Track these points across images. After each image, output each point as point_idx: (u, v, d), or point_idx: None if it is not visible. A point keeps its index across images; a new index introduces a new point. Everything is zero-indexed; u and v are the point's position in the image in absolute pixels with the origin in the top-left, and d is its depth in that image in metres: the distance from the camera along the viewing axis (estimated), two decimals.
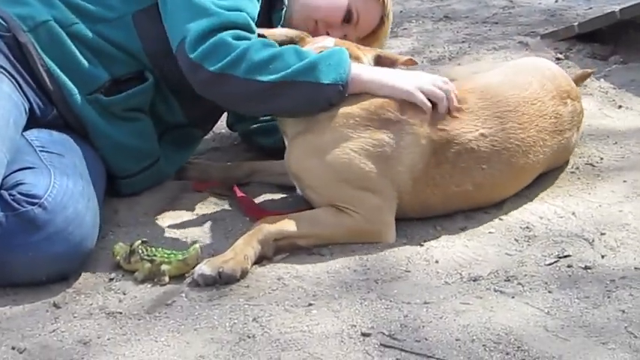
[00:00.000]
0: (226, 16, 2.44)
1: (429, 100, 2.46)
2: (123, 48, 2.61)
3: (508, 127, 2.51)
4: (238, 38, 2.42)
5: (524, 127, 2.54)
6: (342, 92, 2.41)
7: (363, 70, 2.47)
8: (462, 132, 2.46)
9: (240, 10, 2.50)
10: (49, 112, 2.56)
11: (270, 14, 2.70)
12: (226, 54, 2.39)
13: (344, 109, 2.43)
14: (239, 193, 2.70)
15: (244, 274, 2.25)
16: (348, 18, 2.82)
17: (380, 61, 2.62)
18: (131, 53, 2.61)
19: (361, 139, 2.41)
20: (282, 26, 2.80)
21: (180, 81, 2.58)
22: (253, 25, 2.52)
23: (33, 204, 2.24)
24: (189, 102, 2.73)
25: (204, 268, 2.23)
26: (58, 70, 2.55)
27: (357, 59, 2.52)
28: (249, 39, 2.45)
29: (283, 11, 2.76)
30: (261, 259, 2.33)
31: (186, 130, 2.87)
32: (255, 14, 2.56)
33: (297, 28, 2.71)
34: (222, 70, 2.39)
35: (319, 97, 2.42)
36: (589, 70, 3.33)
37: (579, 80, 3.18)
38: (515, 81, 2.64)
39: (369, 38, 2.90)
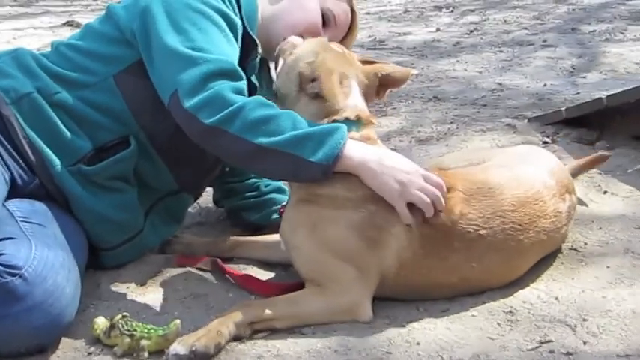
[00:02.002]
0: (215, 63, 2.45)
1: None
2: (108, 111, 2.62)
3: (508, 229, 2.50)
4: (235, 92, 2.43)
5: (524, 228, 2.53)
6: (326, 173, 2.39)
7: (357, 152, 2.43)
8: (462, 231, 2.45)
9: (226, 57, 2.52)
10: (31, 182, 2.56)
11: (244, 64, 2.67)
12: (222, 108, 2.39)
13: (346, 189, 2.43)
14: (227, 268, 2.71)
15: (218, 349, 2.23)
16: (326, 21, 2.85)
17: (384, 81, 2.67)
18: (116, 116, 2.62)
19: (355, 219, 2.42)
20: (271, 58, 2.86)
21: (168, 140, 2.61)
22: (240, 71, 2.53)
23: (13, 275, 2.22)
24: (178, 164, 2.74)
25: (178, 348, 2.20)
26: (40, 142, 2.56)
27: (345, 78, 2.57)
28: (243, 91, 2.47)
29: (257, 59, 2.77)
30: (237, 339, 2.31)
31: (177, 198, 2.87)
32: (237, 59, 2.58)
33: None
34: (216, 124, 2.39)
35: (301, 172, 2.41)
36: (607, 154, 3.37)
37: (594, 164, 3.29)
38: (520, 179, 2.61)
39: (347, 34, 2.94)
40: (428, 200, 2.42)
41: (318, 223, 2.45)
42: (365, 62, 2.71)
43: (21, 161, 2.56)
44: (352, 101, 2.57)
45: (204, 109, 2.40)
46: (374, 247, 2.42)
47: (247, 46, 2.72)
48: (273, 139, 2.38)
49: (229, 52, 2.56)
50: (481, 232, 2.47)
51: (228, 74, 2.47)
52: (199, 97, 2.41)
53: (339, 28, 2.90)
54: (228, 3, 2.66)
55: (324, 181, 2.42)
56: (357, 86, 2.61)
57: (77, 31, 2.86)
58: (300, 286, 2.49)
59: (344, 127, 2.45)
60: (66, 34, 6.06)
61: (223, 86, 2.43)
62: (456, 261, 2.46)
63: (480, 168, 2.70)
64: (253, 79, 2.77)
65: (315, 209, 2.46)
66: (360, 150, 2.45)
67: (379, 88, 2.70)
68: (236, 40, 2.65)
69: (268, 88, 2.94)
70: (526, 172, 2.67)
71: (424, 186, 2.43)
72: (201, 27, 2.54)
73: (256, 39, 2.74)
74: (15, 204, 2.49)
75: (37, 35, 6.93)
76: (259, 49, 2.76)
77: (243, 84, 2.50)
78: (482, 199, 2.50)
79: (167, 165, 2.75)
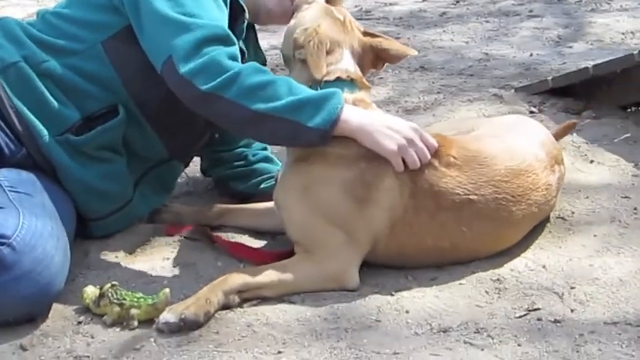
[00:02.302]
0: (208, 29, 2.45)
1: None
2: (96, 79, 2.60)
3: (500, 198, 2.51)
4: (231, 58, 2.43)
5: (517, 199, 2.54)
6: (324, 138, 2.40)
7: (354, 116, 2.44)
8: (449, 190, 2.46)
9: (217, 22, 2.51)
10: (18, 151, 2.55)
11: (232, 29, 2.64)
12: (218, 74, 2.39)
13: (337, 147, 2.44)
14: (219, 238, 2.71)
15: (207, 317, 2.24)
16: None
17: (380, 54, 2.68)
18: (105, 84, 2.61)
19: (347, 177, 2.43)
20: (258, 22, 2.91)
21: (157, 107, 2.61)
22: (233, 36, 2.53)
23: (1, 244, 2.22)
24: (168, 130, 2.74)
25: (168, 316, 2.22)
26: (27, 112, 2.54)
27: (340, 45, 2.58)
28: (237, 57, 2.47)
29: (245, 24, 2.77)
30: (226, 308, 2.31)
31: (168, 166, 2.87)
32: (227, 24, 2.58)
33: (277, 14, 2.81)
34: (212, 89, 2.38)
35: (300, 137, 2.42)
36: (574, 121, 3.37)
37: (566, 131, 3.25)
38: (513, 151, 2.62)
39: None
40: (418, 163, 2.44)
41: (310, 184, 2.46)
42: (367, 34, 2.71)
43: (8, 131, 2.54)
44: (343, 66, 2.58)
45: (200, 75, 2.39)
46: (364, 208, 2.43)
47: (235, 11, 2.71)
48: (270, 104, 2.38)
49: (219, 17, 2.55)
50: (471, 197, 2.48)
51: (221, 40, 2.46)
52: (195, 63, 2.40)
53: None
54: None
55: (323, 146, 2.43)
56: (350, 54, 2.61)
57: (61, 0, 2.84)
58: (290, 254, 2.50)
59: (340, 92, 2.46)
60: (50, 4, 6.01)
61: (219, 52, 2.42)
62: (445, 220, 2.47)
63: (473, 137, 2.71)
64: (241, 44, 2.76)
65: (309, 168, 2.48)
66: (357, 114, 2.46)
67: (376, 60, 2.71)
68: (225, 4, 2.64)
69: (256, 55, 2.93)
70: (518, 143, 2.68)
71: (420, 146, 2.45)
72: None
73: (243, 4, 2.73)
74: (2, 173, 2.48)
75: (20, 5, 6.86)
76: (247, 14, 2.75)
77: (236, 49, 2.50)
78: (475, 166, 2.51)
79: (157, 132, 2.73)
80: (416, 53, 2.74)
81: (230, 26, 2.61)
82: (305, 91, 2.44)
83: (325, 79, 2.52)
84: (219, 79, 2.38)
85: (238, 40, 2.70)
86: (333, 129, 2.40)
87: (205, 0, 2.54)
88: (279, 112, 2.38)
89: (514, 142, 2.68)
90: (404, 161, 2.44)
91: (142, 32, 2.54)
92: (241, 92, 2.39)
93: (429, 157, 2.46)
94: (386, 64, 2.76)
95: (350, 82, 2.56)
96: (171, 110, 2.60)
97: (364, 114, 2.48)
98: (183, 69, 2.40)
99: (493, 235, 2.56)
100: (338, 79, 2.54)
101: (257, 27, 3.03)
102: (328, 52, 2.55)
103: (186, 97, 2.46)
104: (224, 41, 2.47)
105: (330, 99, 2.41)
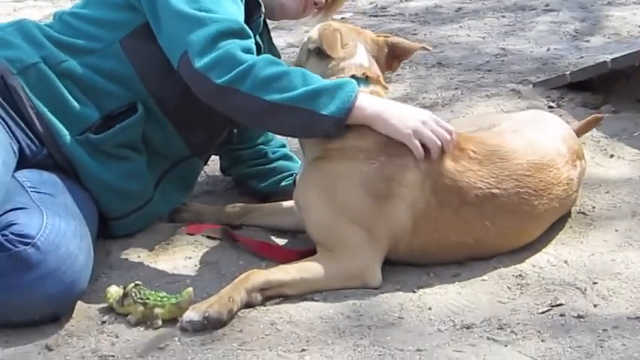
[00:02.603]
0: (223, 23, 2.47)
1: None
2: (115, 78, 2.62)
3: (523, 193, 2.52)
4: (245, 51, 2.45)
5: (539, 194, 2.55)
6: (338, 126, 2.42)
7: (369, 103, 2.46)
8: (472, 185, 2.47)
9: (233, 16, 2.53)
10: (39, 152, 2.57)
11: (248, 23, 2.66)
12: (233, 67, 2.41)
13: (354, 140, 2.46)
14: (239, 236, 2.72)
15: (231, 316, 2.25)
16: None
17: (394, 50, 2.71)
18: (124, 82, 2.63)
19: (366, 171, 2.44)
20: (273, 17, 2.95)
21: (176, 102, 2.63)
22: (248, 29, 2.55)
23: (26, 244, 2.24)
24: (187, 126, 2.75)
25: (191, 315, 2.22)
26: (48, 112, 2.56)
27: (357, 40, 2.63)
28: (252, 50, 2.49)
29: (261, 18, 2.79)
30: (249, 306, 2.32)
31: (189, 163, 2.87)
32: (242, 19, 2.60)
33: (291, 9, 2.88)
34: (227, 83, 2.41)
35: (315, 126, 2.43)
36: (600, 115, 3.35)
37: (591, 125, 3.23)
38: (534, 145, 2.63)
39: None
40: (439, 142, 2.45)
41: (329, 182, 2.47)
42: (379, 36, 2.74)
43: (29, 132, 2.56)
44: (357, 60, 2.60)
45: (215, 69, 2.41)
46: (384, 204, 2.43)
47: (250, 5, 2.73)
48: (285, 95, 2.40)
49: (235, 11, 2.58)
50: (493, 190, 2.48)
51: (236, 34, 2.48)
52: (210, 57, 2.42)
53: None
54: None
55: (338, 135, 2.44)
56: (365, 49, 2.64)
57: (77, 1, 2.86)
58: (313, 251, 2.50)
59: (353, 81, 2.48)
60: (66, 5, 6.03)
61: (233, 45, 2.44)
62: (469, 215, 2.47)
63: (493, 132, 2.71)
64: (257, 38, 2.78)
65: (327, 165, 2.49)
66: (372, 101, 2.48)
67: (390, 59, 2.73)
68: None
69: (270, 51, 2.94)
70: (540, 138, 2.68)
71: (436, 128, 2.47)
72: None
73: None
74: (24, 174, 2.50)
75: (37, 7, 6.89)
76: (263, 9, 2.77)
77: (251, 43, 2.52)
78: (496, 160, 2.52)
79: (176, 128, 2.74)
80: (430, 49, 2.75)
81: (246, 21, 2.63)
82: (319, 81, 2.45)
83: (340, 76, 2.53)
84: (233, 72, 2.41)
85: (255, 34, 2.72)
86: (347, 116, 2.41)
87: None
88: (294, 102, 2.40)
89: (535, 136, 2.68)
90: (424, 147, 2.44)
91: (159, 29, 2.56)
92: (256, 84, 2.41)
93: (448, 137, 2.46)
94: (401, 63, 2.80)
95: (365, 80, 2.56)
96: (190, 106, 2.62)
97: (379, 101, 2.50)
98: (199, 63, 2.43)
99: (515, 230, 2.56)
100: (352, 77, 2.54)
101: (272, 25, 3.04)
102: (342, 46, 2.58)
103: (202, 92, 2.48)
104: (239, 35, 2.49)
105: (344, 87, 2.43)
